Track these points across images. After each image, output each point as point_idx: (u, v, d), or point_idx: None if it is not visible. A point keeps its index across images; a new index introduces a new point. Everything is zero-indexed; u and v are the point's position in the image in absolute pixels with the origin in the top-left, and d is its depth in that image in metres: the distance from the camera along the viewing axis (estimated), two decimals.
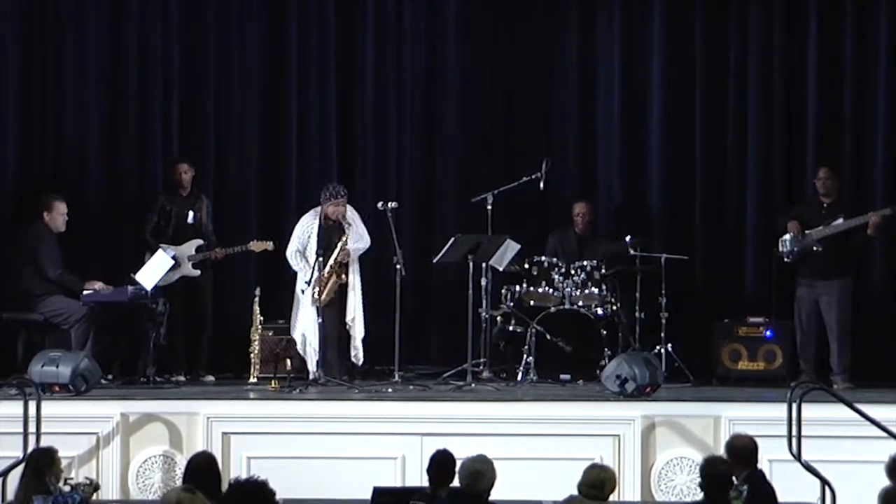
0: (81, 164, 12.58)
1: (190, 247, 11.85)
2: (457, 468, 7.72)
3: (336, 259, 11.45)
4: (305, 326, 11.42)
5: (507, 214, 12.27)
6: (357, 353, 11.55)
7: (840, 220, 11.66)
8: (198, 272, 11.87)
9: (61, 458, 8.21)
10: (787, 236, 11.75)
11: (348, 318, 11.51)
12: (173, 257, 11.59)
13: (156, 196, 12.10)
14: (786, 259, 11.81)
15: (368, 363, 11.77)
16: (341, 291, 11.52)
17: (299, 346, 11.49)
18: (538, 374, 11.64)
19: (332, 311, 11.49)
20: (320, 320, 11.33)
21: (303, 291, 11.37)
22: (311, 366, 11.38)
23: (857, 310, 11.96)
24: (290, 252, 11.60)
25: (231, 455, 10.13)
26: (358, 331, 11.54)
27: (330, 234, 11.54)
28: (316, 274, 11.27)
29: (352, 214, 11.65)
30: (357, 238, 11.59)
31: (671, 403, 10.56)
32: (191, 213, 11.96)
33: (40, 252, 11.41)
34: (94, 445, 10.19)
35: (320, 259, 11.33)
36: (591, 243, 12.41)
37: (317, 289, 11.33)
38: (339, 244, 11.46)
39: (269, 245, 11.90)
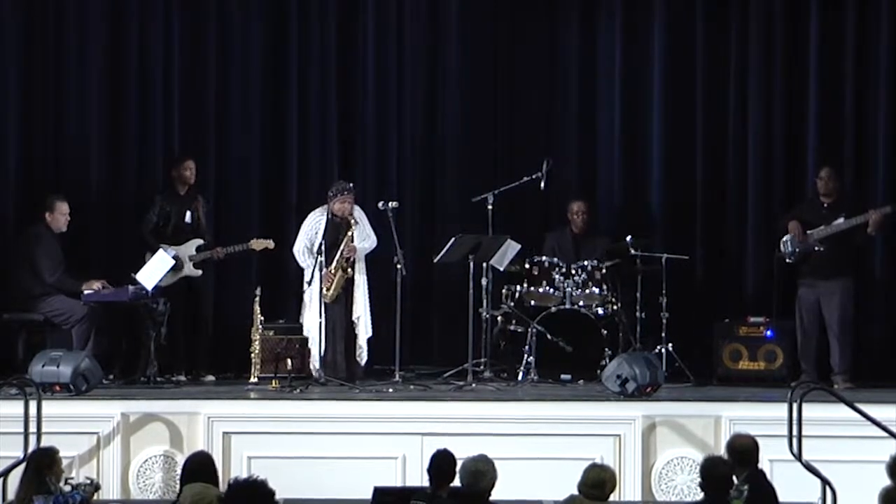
0: (82, 163, 12.57)
1: (190, 246, 11.85)
2: (457, 468, 7.73)
3: (343, 254, 11.46)
4: (311, 324, 11.43)
5: (508, 214, 12.27)
6: (361, 352, 11.57)
7: (841, 220, 11.65)
8: (199, 272, 11.87)
9: (62, 458, 8.21)
10: (788, 237, 11.75)
11: (354, 317, 11.53)
12: (174, 257, 11.59)
13: (153, 197, 12.08)
14: (787, 260, 11.80)
15: (370, 363, 11.76)
16: (348, 289, 11.53)
17: (310, 344, 11.50)
18: (539, 374, 11.63)
19: (337, 309, 11.51)
20: (321, 319, 11.34)
21: (308, 286, 11.37)
22: (314, 364, 11.40)
23: (857, 310, 11.95)
24: (298, 249, 11.63)
25: (231, 455, 10.14)
26: (363, 330, 11.56)
27: (336, 230, 11.54)
28: (318, 272, 11.27)
29: (359, 214, 11.66)
30: (364, 237, 11.60)
31: (672, 403, 10.57)
32: (188, 213, 11.96)
33: (38, 255, 11.39)
34: (94, 445, 10.19)
35: (321, 259, 11.33)
36: (589, 242, 12.40)
37: (324, 285, 11.35)
38: (345, 239, 11.47)
39: (270, 243, 11.90)
